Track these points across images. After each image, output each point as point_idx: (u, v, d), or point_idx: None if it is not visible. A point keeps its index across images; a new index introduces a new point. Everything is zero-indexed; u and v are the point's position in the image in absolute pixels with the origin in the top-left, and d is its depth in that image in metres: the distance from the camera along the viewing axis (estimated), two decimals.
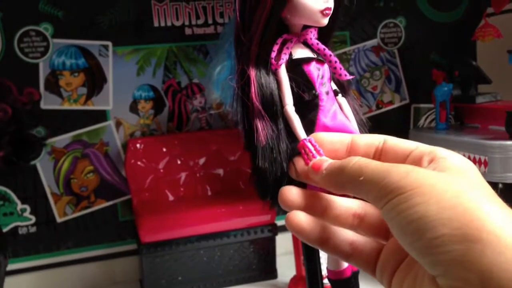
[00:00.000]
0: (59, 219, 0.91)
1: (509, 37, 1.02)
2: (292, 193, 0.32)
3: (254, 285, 0.90)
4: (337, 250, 0.32)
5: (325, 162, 0.32)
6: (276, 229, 0.92)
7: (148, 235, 0.85)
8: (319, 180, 0.32)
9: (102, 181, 0.94)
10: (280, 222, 0.94)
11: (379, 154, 0.31)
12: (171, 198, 0.95)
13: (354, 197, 0.31)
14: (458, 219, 0.23)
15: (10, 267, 0.86)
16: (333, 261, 0.48)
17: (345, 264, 0.48)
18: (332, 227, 0.32)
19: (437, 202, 0.24)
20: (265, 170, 0.41)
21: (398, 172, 0.26)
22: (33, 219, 0.89)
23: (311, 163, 0.33)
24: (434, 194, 0.24)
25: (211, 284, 0.89)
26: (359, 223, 0.32)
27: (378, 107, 1.11)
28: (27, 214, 0.89)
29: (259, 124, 0.39)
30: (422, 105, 1.13)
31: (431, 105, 1.07)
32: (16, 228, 0.89)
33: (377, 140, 0.32)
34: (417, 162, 0.28)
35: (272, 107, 0.39)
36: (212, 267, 0.89)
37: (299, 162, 0.35)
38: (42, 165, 0.90)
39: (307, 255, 0.51)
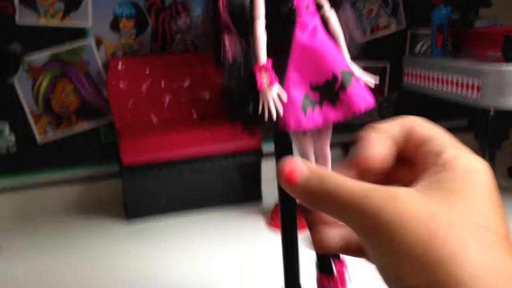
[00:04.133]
0: (39, 140, 0.89)
1: None
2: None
3: (238, 207, 0.90)
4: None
5: (299, 171, 0.28)
6: (261, 154, 0.90)
7: (130, 157, 0.83)
8: (293, 194, 0.28)
9: (83, 101, 0.91)
10: (266, 148, 0.93)
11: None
12: (155, 120, 0.93)
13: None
14: (426, 270, 0.20)
15: None
16: None
17: None
18: None
19: (407, 250, 0.21)
20: (231, 89, 0.39)
21: (374, 201, 0.23)
22: (13, 138, 0.87)
23: (285, 173, 0.29)
24: (406, 240, 0.21)
25: (195, 206, 0.89)
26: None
27: (372, 32, 1.06)
28: (6, 133, 0.87)
29: (227, 40, 0.37)
30: (419, 31, 1.08)
31: (429, 31, 1.02)
32: None
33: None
34: (424, 161, 0.25)
35: (241, 21, 0.36)
36: (195, 191, 0.89)
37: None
38: (20, 83, 0.87)
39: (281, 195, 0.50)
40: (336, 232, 0.27)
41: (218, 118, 0.91)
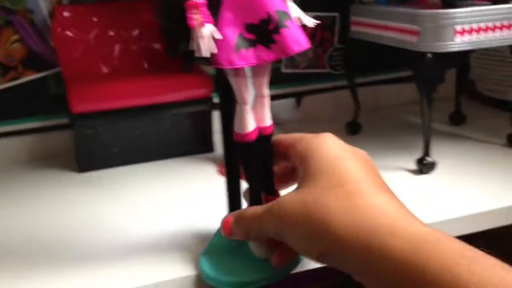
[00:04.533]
0: None
1: None
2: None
3: (191, 157, 0.91)
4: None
5: (229, 219, 0.43)
6: (212, 104, 0.91)
7: (79, 105, 0.83)
8: (234, 237, 0.43)
9: (30, 51, 0.90)
10: (217, 99, 0.93)
11: None
12: (104, 70, 0.92)
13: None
14: (319, 240, 0.31)
15: None
16: (239, 123, 0.46)
17: (251, 127, 0.46)
18: None
19: (302, 234, 0.33)
20: (166, 27, 0.39)
21: (271, 213, 0.38)
22: None
23: (222, 227, 0.44)
24: (296, 228, 0.33)
25: (146, 156, 0.90)
26: None
27: None
28: None
29: None
30: None
31: None
32: None
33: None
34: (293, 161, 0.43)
35: None
36: (147, 140, 0.90)
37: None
38: None
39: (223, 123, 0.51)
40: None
41: (169, 68, 0.92)
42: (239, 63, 0.40)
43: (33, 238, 0.62)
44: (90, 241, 0.59)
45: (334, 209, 0.30)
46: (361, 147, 0.40)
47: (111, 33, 0.92)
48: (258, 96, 0.46)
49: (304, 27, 0.45)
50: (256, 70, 0.45)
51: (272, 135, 0.47)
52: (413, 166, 0.74)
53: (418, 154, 0.75)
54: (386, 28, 0.79)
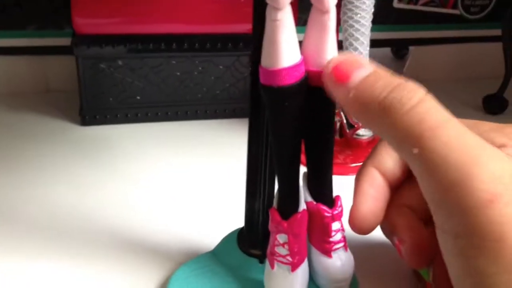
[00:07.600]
0: None
1: None
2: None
3: (237, 120, 0.61)
4: None
5: (358, 68, 0.23)
6: None
7: (86, 22, 0.52)
8: (339, 96, 0.23)
9: None
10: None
11: None
12: None
13: None
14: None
15: None
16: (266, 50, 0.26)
17: (288, 60, 0.26)
18: None
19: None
20: None
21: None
22: None
23: (333, 66, 0.23)
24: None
25: (185, 112, 0.60)
26: None
27: None
28: None
29: None
30: None
31: None
32: None
33: None
34: None
35: None
36: (189, 88, 0.59)
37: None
38: None
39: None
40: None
41: None
42: None
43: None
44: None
45: None
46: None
47: None
48: (316, 10, 0.27)
49: None
50: None
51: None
52: None
53: None
54: None
